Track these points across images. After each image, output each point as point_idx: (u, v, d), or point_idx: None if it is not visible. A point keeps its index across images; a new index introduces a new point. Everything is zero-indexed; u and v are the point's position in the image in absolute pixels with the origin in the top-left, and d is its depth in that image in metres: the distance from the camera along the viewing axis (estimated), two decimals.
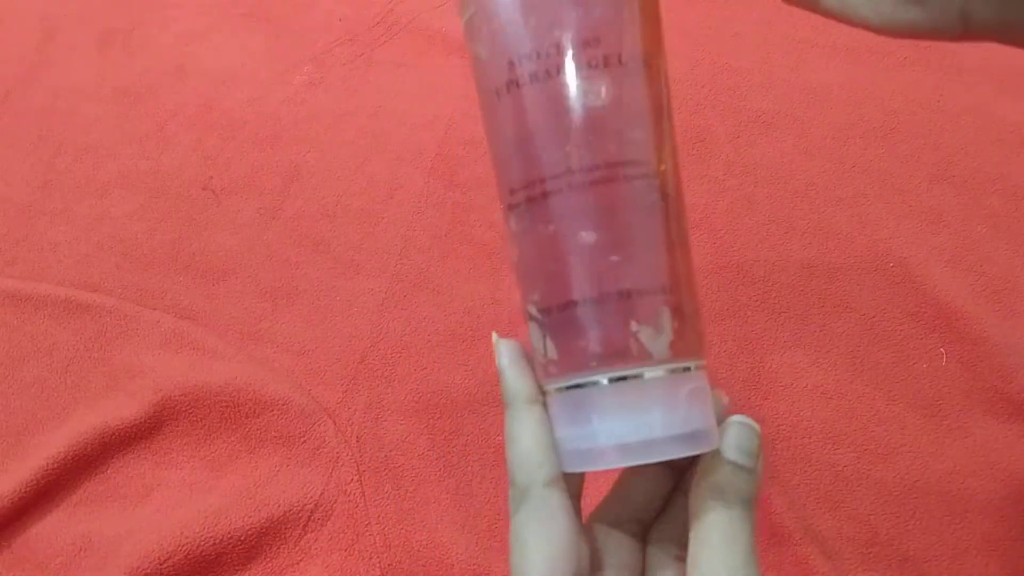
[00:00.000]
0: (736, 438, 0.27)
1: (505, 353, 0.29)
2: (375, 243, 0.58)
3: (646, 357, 0.26)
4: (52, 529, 0.46)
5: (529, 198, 0.27)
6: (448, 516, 0.46)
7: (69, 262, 0.57)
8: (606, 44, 0.27)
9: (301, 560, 0.45)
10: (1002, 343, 0.51)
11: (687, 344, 0.27)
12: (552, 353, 0.27)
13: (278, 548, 0.45)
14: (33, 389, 0.51)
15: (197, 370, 0.51)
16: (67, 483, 0.48)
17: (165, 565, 0.43)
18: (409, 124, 0.65)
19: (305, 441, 0.49)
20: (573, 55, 0.27)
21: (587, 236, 0.26)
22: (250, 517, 0.45)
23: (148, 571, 0.43)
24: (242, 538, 0.45)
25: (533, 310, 0.28)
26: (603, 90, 0.27)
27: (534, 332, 0.28)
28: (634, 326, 0.26)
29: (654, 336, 0.26)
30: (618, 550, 0.29)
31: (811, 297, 0.54)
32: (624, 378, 0.26)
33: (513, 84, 0.27)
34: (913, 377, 0.51)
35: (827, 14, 0.29)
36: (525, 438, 0.27)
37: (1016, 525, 0.46)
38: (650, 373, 0.26)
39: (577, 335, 0.27)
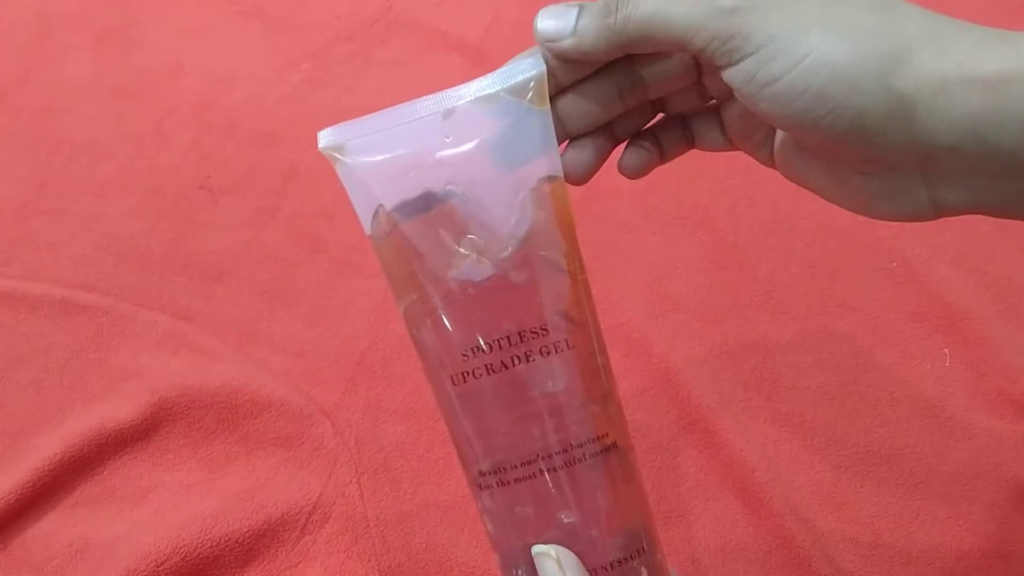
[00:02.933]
0: None
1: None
2: None
3: None
4: (48, 531, 0.46)
5: (501, 482, 0.28)
6: (447, 518, 0.46)
7: (65, 262, 0.57)
8: (554, 331, 0.28)
9: (299, 562, 0.45)
10: (1006, 344, 0.51)
11: None
12: None
13: (276, 550, 0.45)
14: (29, 390, 0.51)
15: (194, 371, 0.50)
16: (63, 484, 0.47)
17: (162, 567, 0.43)
18: None
19: (303, 442, 0.48)
20: (525, 344, 0.28)
21: (567, 517, 0.28)
22: (248, 519, 0.45)
23: (145, 573, 0.43)
24: (240, 540, 0.45)
25: None
26: (558, 374, 0.28)
27: None
28: None
29: None
30: None
31: (813, 297, 0.54)
32: None
33: (468, 374, 0.28)
34: (916, 378, 0.51)
35: (816, 192, 0.31)
36: None
37: (1020, 527, 0.45)
38: None
39: None
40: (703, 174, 0.60)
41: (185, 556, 0.43)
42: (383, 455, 0.48)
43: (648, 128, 0.33)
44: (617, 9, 0.27)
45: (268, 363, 0.52)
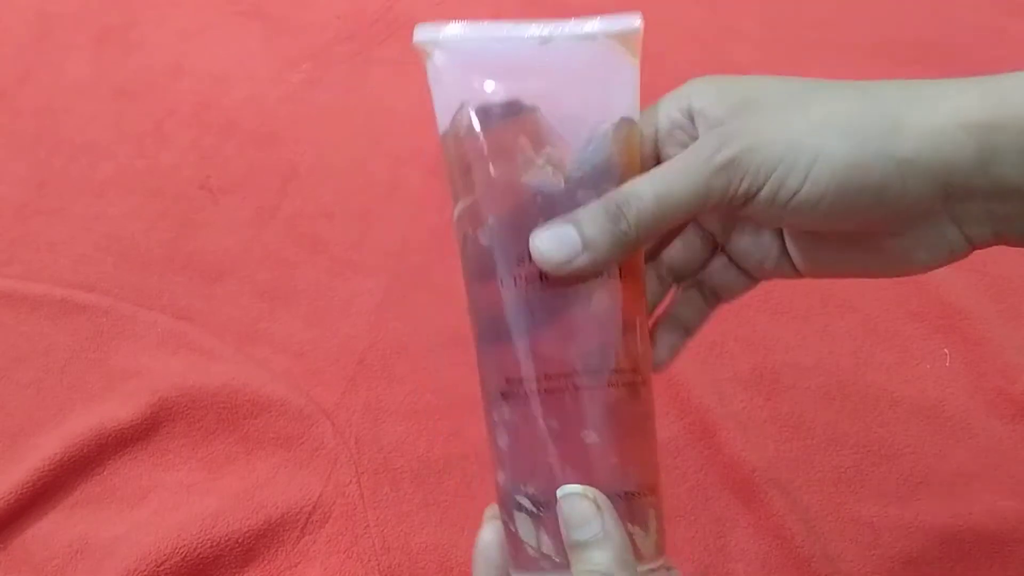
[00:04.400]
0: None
1: (488, 539, 0.30)
2: (373, 243, 0.58)
3: (639, 558, 0.27)
4: (48, 531, 0.46)
5: (531, 392, 0.28)
6: (447, 518, 0.46)
7: (66, 262, 0.57)
8: None
9: (299, 562, 0.45)
10: (1006, 344, 0.51)
11: (663, 542, 0.29)
12: (548, 548, 0.28)
13: (276, 550, 0.45)
14: (29, 390, 0.51)
15: (194, 371, 0.50)
16: (63, 485, 0.47)
17: (162, 567, 0.43)
18: (408, 123, 0.65)
19: (303, 442, 0.48)
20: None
21: (591, 437, 0.28)
22: (248, 519, 0.45)
23: (145, 573, 0.43)
24: (240, 540, 0.45)
25: (526, 502, 0.28)
26: (605, 299, 0.28)
27: (523, 523, 0.28)
28: (630, 527, 0.28)
29: (644, 537, 0.28)
30: None
31: (814, 297, 0.54)
32: None
33: (520, 279, 0.28)
34: (916, 378, 0.51)
35: (854, 275, 0.31)
36: None
37: (1020, 527, 0.45)
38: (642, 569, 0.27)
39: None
40: None
41: (185, 556, 0.43)
42: (383, 455, 0.48)
43: (668, 312, 0.34)
44: (623, 214, 0.27)
45: (268, 363, 0.52)
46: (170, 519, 0.45)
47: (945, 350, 0.52)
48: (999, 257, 0.55)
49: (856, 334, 0.52)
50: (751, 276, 0.33)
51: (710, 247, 0.33)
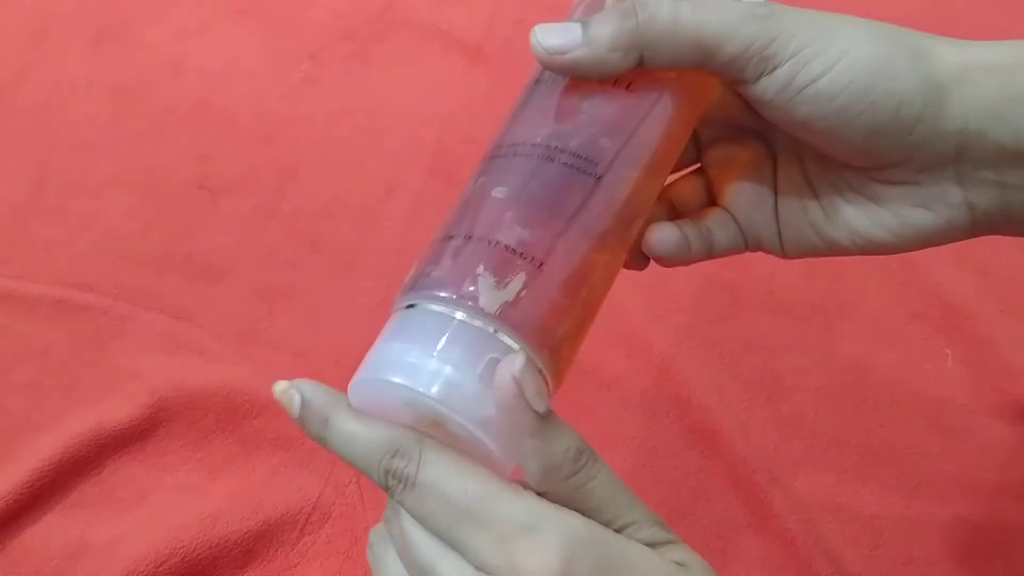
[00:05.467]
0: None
1: (308, 386, 0.27)
2: (373, 242, 0.58)
3: (473, 302, 0.25)
4: (46, 532, 0.46)
5: (493, 155, 0.29)
6: None
7: (63, 262, 0.57)
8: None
9: (298, 563, 0.45)
10: (1007, 344, 0.51)
11: (529, 323, 0.26)
12: (415, 270, 0.28)
13: (275, 551, 0.45)
14: (27, 390, 0.51)
15: (193, 372, 0.50)
16: (61, 486, 0.47)
17: (160, 569, 0.43)
18: (407, 122, 0.65)
19: (302, 443, 0.48)
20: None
21: (499, 192, 0.28)
22: (246, 520, 0.45)
23: (144, 574, 0.43)
24: (238, 541, 0.44)
25: (439, 235, 0.28)
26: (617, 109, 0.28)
27: (427, 248, 0.29)
28: (480, 269, 0.26)
29: (491, 287, 0.26)
30: None
31: (815, 297, 0.54)
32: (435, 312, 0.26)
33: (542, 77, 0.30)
34: (918, 378, 0.51)
35: (846, 252, 0.31)
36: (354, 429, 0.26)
37: (1022, 528, 0.45)
38: (461, 316, 0.26)
39: (434, 262, 0.27)
40: None
41: (184, 557, 0.43)
42: None
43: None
44: (635, 11, 0.26)
45: (267, 363, 0.52)
46: (169, 520, 0.45)
47: (947, 350, 0.52)
48: (1001, 257, 0.55)
49: (857, 334, 0.52)
50: (746, 241, 0.33)
51: (710, 199, 0.33)
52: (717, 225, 0.33)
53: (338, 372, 0.51)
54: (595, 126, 0.28)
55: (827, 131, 0.27)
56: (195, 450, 0.48)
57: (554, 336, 0.27)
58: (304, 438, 0.48)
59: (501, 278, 0.26)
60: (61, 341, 0.53)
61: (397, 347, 0.26)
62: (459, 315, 0.26)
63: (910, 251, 0.30)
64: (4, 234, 0.59)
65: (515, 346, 0.26)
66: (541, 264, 0.27)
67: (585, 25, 0.27)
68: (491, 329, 0.26)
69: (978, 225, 0.28)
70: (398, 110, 0.66)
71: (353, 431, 0.26)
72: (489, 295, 0.26)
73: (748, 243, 0.33)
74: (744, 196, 0.32)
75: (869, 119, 0.26)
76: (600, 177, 0.28)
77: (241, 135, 0.65)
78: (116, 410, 0.49)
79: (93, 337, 0.53)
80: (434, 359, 0.25)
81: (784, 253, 0.32)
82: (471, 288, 0.26)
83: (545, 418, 0.24)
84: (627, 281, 0.57)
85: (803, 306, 0.54)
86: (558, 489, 0.25)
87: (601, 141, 0.28)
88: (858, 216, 0.29)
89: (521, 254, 0.26)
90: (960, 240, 0.29)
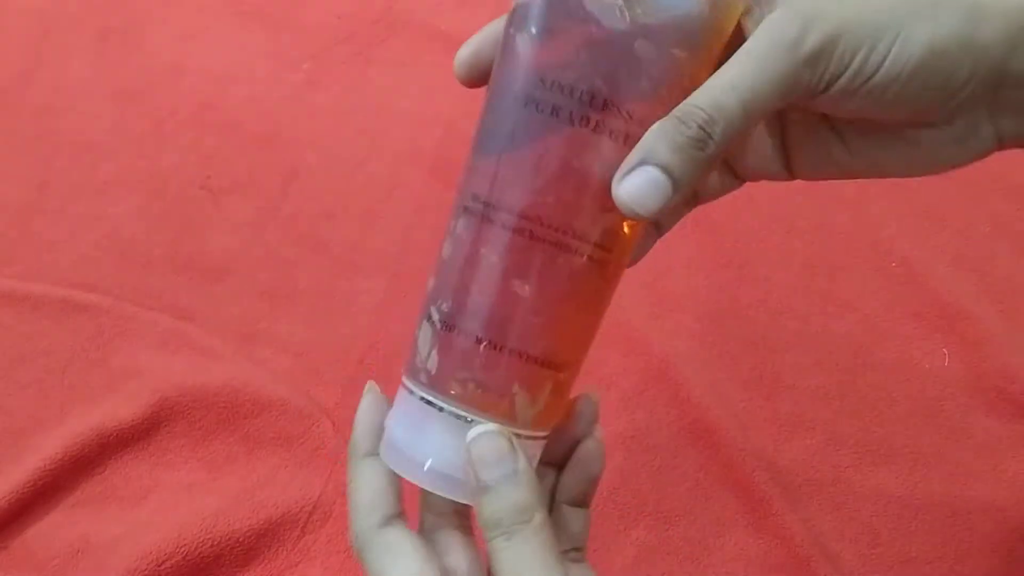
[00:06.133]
0: (480, 456, 0.26)
1: (366, 405, 0.30)
2: (374, 243, 0.58)
3: (511, 418, 0.27)
4: (49, 530, 0.46)
5: (489, 218, 0.27)
6: None
7: (66, 262, 0.57)
8: (631, 120, 0.26)
9: (300, 562, 0.45)
10: (1005, 343, 0.51)
11: (547, 418, 0.28)
12: (432, 366, 0.27)
13: (277, 550, 0.45)
14: (30, 390, 0.51)
15: (195, 371, 0.50)
16: (64, 484, 0.47)
17: (163, 567, 0.43)
18: (408, 123, 0.65)
19: (304, 442, 0.48)
20: (603, 113, 0.26)
21: (523, 288, 0.27)
22: (248, 518, 0.45)
23: (145, 573, 0.43)
24: (240, 540, 0.45)
25: (435, 315, 0.28)
26: (609, 163, 0.26)
27: (424, 333, 0.28)
28: (516, 388, 0.27)
29: (527, 405, 0.27)
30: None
31: (813, 297, 0.54)
32: (479, 425, 0.27)
33: (533, 101, 0.26)
34: (915, 378, 0.51)
35: (862, 177, 0.30)
36: (364, 489, 0.29)
37: (1019, 527, 0.45)
38: (498, 429, 0.27)
39: (464, 366, 0.27)
40: None
41: (186, 555, 0.43)
42: None
43: None
44: (710, 138, 0.24)
45: (269, 363, 0.52)
46: (171, 519, 0.45)
47: (944, 350, 0.52)
48: (998, 257, 0.55)
49: (856, 334, 0.52)
50: (736, 175, 0.31)
51: None
52: None
53: (338, 372, 0.52)
54: (605, 194, 0.26)
55: (874, 113, 0.26)
56: (197, 449, 0.49)
57: (565, 404, 0.29)
58: (305, 437, 0.49)
59: (531, 393, 0.27)
60: (64, 341, 0.53)
61: (439, 452, 0.27)
62: (489, 428, 0.27)
63: (929, 175, 0.29)
64: (8, 234, 0.59)
65: (540, 435, 0.28)
66: (565, 367, 0.28)
67: (663, 167, 0.24)
68: (529, 433, 0.28)
69: (1002, 148, 0.28)
70: (399, 111, 0.66)
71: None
72: (523, 412, 0.27)
73: (740, 179, 0.32)
74: (742, 143, 0.30)
75: (920, 95, 0.25)
76: (612, 258, 0.28)
77: (243, 136, 0.65)
78: (118, 409, 0.49)
79: (96, 337, 0.53)
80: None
81: (791, 177, 0.31)
82: (506, 407, 0.27)
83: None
84: (627, 281, 0.58)
85: (802, 306, 0.54)
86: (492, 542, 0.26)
87: (612, 216, 0.27)
88: (886, 155, 0.28)
89: (549, 365, 0.27)
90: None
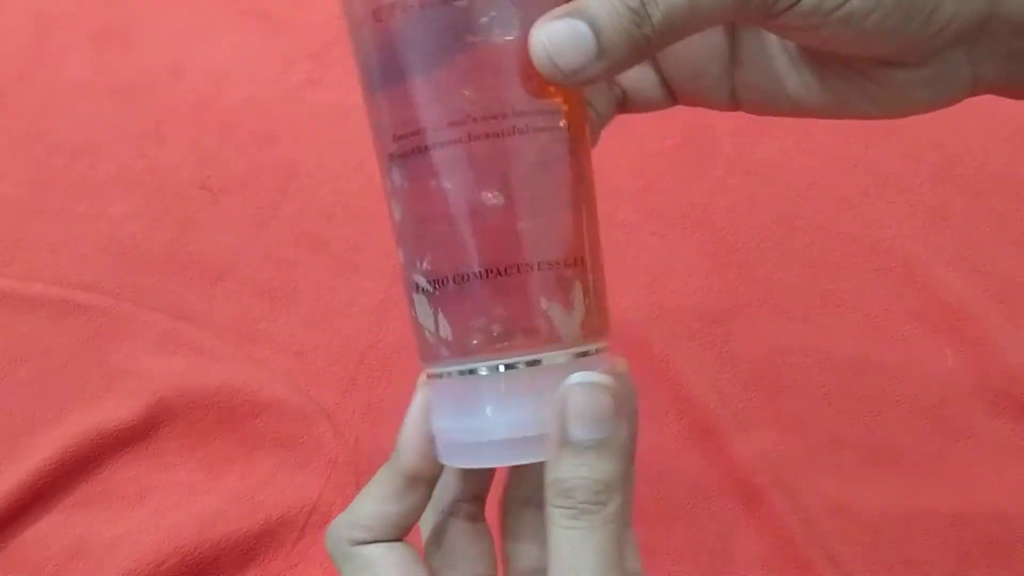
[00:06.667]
0: (576, 408, 0.23)
1: (415, 408, 0.26)
2: (374, 243, 0.58)
3: (556, 340, 0.23)
4: (47, 532, 0.46)
5: (418, 148, 0.23)
6: None
7: (65, 262, 0.57)
8: None
9: (299, 563, 0.45)
10: (1007, 344, 0.51)
11: (596, 323, 0.25)
12: (445, 332, 0.24)
13: (275, 551, 0.45)
14: (29, 390, 0.51)
15: (194, 371, 0.50)
16: (63, 485, 0.47)
17: (161, 568, 0.43)
18: None
19: (303, 443, 0.48)
20: None
21: (492, 198, 0.23)
22: (247, 520, 0.45)
23: (144, 574, 0.43)
24: (239, 541, 0.44)
25: (421, 280, 0.24)
26: (511, 20, 0.23)
27: (421, 305, 0.24)
28: (544, 303, 0.23)
29: (565, 316, 0.24)
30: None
31: (814, 297, 0.54)
32: (531, 363, 0.23)
33: (398, 5, 0.23)
34: (918, 378, 0.50)
35: (817, 116, 0.27)
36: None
37: (1021, 528, 0.45)
38: (552, 359, 0.24)
39: (478, 312, 0.23)
40: (702, 174, 0.60)
41: (184, 557, 0.43)
42: (383, 456, 0.48)
43: None
44: (648, 14, 0.22)
45: (268, 363, 0.52)
46: (169, 519, 0.45)
47: (946, 350, 0.51)
48: (1000, 257, 0.55)
49: (857, 334, 0.52)
50: (671, 92, 0.28)
51: None
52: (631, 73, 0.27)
53: (338, 372, 0.52)
54: (526, 61, 0.23)
55: (846, 43, 0.24)
56: (195, 450, 0.49)
57: (610, 309, 0.25)
58: (304, 438, 0.48)
59: (564, 301, 0.24)
60: (62, 341, 0.53)
61: (505, 420, 0.24)
62: (549, 360, 0.24)
63: (893, 118, 0.27)
64: (6, 234, 0.59)
65: (596, 348, 0.24)
66: (583, 258, 0.24)
67: (593, 24, 0.22)
68: (586, 348, 0.24)
69: (975, 94, 0.26)
70: None
71: None
72: (565, 325, 0.24)
73: (674, 98, 0.28)
74: (684, 51, 0.27)
75: (900, 27, 0.23)
76: (565, 118, 0.24)
77: (242, 135, 0.65)
78: (117, 410, 0.49)
79: (94, 337, 0.53)
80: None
81: (733, 107, 0.28)
82: (546, 328, 0.23)
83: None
84: (627, 281, 0.58)
85: (802, 306, 0.54)
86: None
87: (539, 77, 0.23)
88: (847, 94, 0.26)
89: (565, 263, 0.24)
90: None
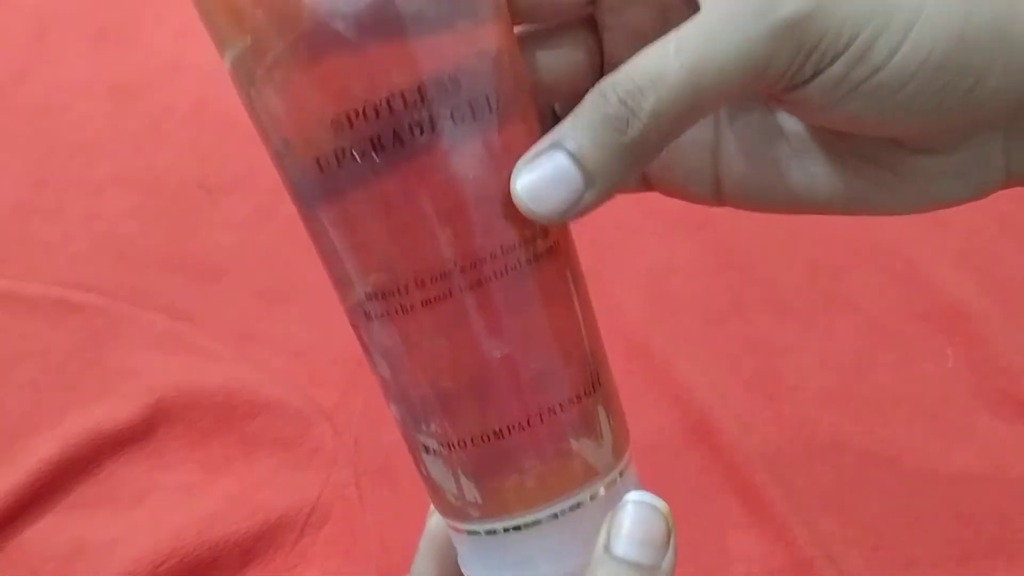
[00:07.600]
0: (631, 526, 0.21)
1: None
2: None
3: (592, 474, 0.22)
4: (45, 533, 0.46)
5: (402, 307, 0.21)
6: None
7: (62, 262, 0.57)
8: (470, 89, 0.20)
9: (298, 564, 0.45)
10: (1009, 344, 0.51)
11: (622, 437, 0.23)
12: (472, 495, 0.22)
13: (274, 552, 0.45)
14: (26, 390, 0.51)
15: (192, 372, 0.50)
16: (60, 486, 0.47)
17: (160, 569, 0.43)
18: None
19: (302, 444, 0.48)
20: (427, 107, 0.19)
21: (496, 350, 0.21)
22: (246, 521, 0.45)
23: (143, 575, 0.43)
24: (238, 542, 0.44)
25: (431, 443, 0.22)
26: (474, 151, 0.20)
27: (435, 467, 0.22)
28: (574, 444, 0.22)
29: (596, 448, 0.22)
30: None
31: (816, 297, 0.54)
32: (573, 507, 0.22)
33: (344, 154, 0.20)
34: (919, 378, 0.50)
35: (817, 212, 0.25)
36: None
37: (1021, 528, 0.45)
38: (593, 494, 0.22)
39: (508, 470, 0.22)
40: None
41: (183, 558, 0.43)
42: (382, 456, 0.48)
43: None
44: (633, 114, 0.18)
45: (267, 364, 0.52)
46: (168, 521, 0.45)
47: (948, 351, 0.51)
48: (1003, 257, 0.55)
49: (858, 334, 0.52)
50: (644, 178, 0.25)
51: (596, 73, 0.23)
52: None
53: (337, 373, 0.51)
54: (500, 180, 0.21)
55: (869, 122, 0.20)
56: (194, 450, 0.48)
57: (624, 414, 0.24)
58: (303, 439, 0.48)
59: (594, 434, 0.22)
60: (60, 341, 0.53)
61: (558, 568, 0.22)
62: (588, 495, 0.22)
63: (912, 213, 0.24)
64: (3, 234, 0.59)
65: (624, 462, 0.23)
66: (598, 378, 0.23)
67: (571, 154, 0.19)
68: (616, 471, 0.23)
69: (1008, 186, 0.23)
70: None
71: None
72: (598, 456, 0.22)
73: (647, 184, 0.25)
74: None
75: (935, 104, 0.19)
76: (536, 235, 0.21)
77: (240, 135, 0.65)
78: (115, 410, 0.49)
79: (92, 337, 0.53)
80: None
81: (717, 202, 0.25)
82: (582, 467, 0.22)
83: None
84: (627, 281, 0.58)
85: (803, 306, 0.54)
86: None
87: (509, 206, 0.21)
88: (862, 183, 0.23)
89: (583, 394, 0.22)
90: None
